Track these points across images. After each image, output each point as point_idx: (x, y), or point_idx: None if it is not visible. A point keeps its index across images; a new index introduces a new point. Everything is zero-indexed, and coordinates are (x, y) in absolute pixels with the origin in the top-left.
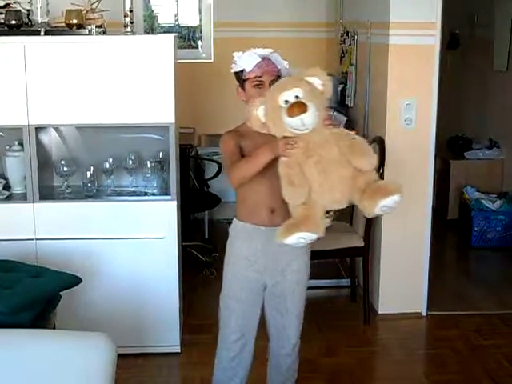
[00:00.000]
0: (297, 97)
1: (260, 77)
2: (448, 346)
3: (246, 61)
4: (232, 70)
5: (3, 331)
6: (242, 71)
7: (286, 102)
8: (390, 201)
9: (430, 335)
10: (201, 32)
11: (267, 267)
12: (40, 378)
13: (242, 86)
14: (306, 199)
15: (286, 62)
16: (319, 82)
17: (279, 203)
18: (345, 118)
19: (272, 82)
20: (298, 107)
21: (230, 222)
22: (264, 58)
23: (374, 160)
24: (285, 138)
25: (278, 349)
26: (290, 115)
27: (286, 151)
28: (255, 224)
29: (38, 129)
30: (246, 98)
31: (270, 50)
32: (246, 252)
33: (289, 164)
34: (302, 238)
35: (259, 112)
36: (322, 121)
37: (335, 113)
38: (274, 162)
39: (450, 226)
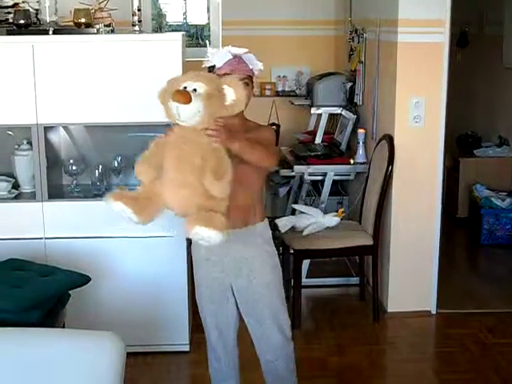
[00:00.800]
0: (195, 90)
1: (229, 74)
2: (458, 344)
3: (218, 57)
4: (203, 66)
5: (13, 330)
6: (213, 67)
7: (184, 88)
8: (205, 232)
9: (439, 333)
10: (209, 30)
11: (229, 267)
12: (49, 377)
13: None
14: (149, 182)
15: (260, 64)
16: (232, 96)
17: (235, 205)
18: (353, 116)
19: (242, 81)
20: (180, 95)
21: None
22: (236, 57)
23: (225, 191)
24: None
25: (263, 354)
26: (172, 98)
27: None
28: None
29: (47, 128)
30: None
31: (245, 50)
32: (207, 253)
33: (157, 143)
34: (123, 212)
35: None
36: (206, 129)
37: (343, 111)
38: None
39: (460, 224)
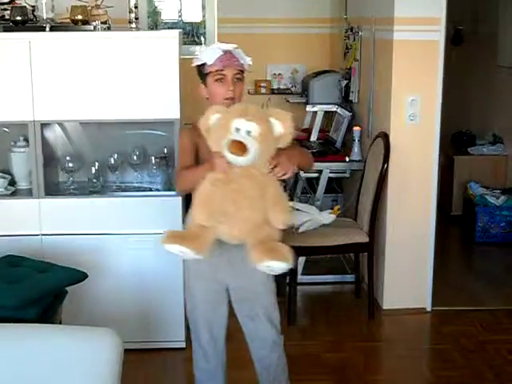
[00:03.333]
0: (248, 132)
1: (222, 70)
2: (452, 341)
3: (208, 54)
4: (193, 64)
5: (10, 326)
6: (203, 65)
7: (237, 129)
8: (276, 265)
9: (434, 330)
10: (204, 28)
11: (225, 267)
12: (46, 373)
13: (203, 81)
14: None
15: (248, 59)
16: (280, 128)
17: None
18: (349, 114)
19: (235, 76)
20: (237, 148)
21: None
22: (226, 52)
23: (288, 221)
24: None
25: (257, 351)
26: (229, 150)
27: (221, 169)
28: None
29: (44, 125)
30: (208, 93)
31: (234, 45)
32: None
33: (215, 183)
34: (182, 252)
35: (211, 118)
36: (267, 162)
37: (339, 109)
38: None
39: (454, 221)
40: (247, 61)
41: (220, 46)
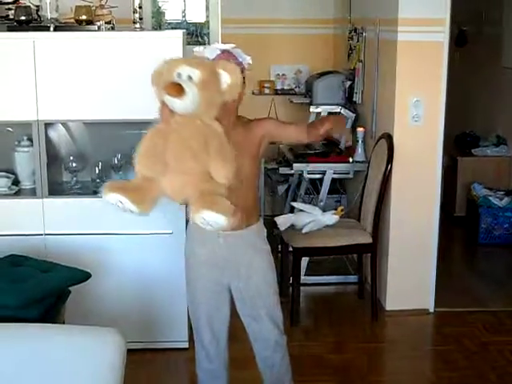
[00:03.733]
0: (190, 77)
1: None
2: (455, 342)
3: (206, 54)
4: (192, 56)
5: (13, 325)
6: None
7: (179, 75)
8: (212, 217)
9: (437, 332)
10: (208, 28)
11: (227, 267)
12: (50, 373)
13: None
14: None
15: (248, 57)
16: (228, 80)
17: (235, 204)
18: (353, 115)
19: None
20: (174, 90)
21: None
22: (224, 51)
23: (228, 174)
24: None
25: (260, 351)
26: (165, 91)
27: (164, 119)
28: None
29: (48, 124)
30: None
31: (232, 45)
32: (205, 255)
33: (156, 133)
34: (121, 202)
35: (159, 68)
36: (211, 112)
37: (342, 110)
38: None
39: (458, 222)
40: (247, 60)
41: (218, 46)
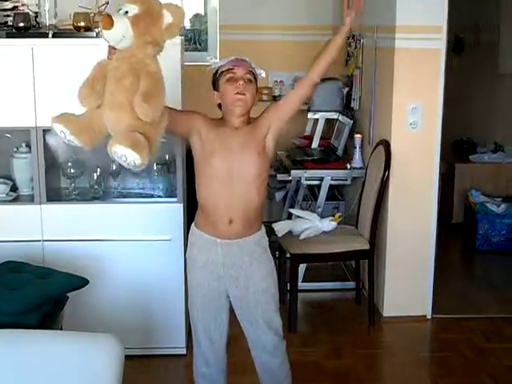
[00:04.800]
0: (126, 12)
1: (232, 69)
2: (453, 349)
3: (222, 61)
4: (207, 69)
5: (11, 331)
6: (216, 73)
7: (119, 10)
8: (122, 151)
9: (434, 338)
10: (206, 35)
11: (225, 275)
12: (48, 379)
13: (216, 88)
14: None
15: (262, 71)
16: (169, 19)
17: (237, 212)
18: (350, 121)
19: (245, 76)
20: (104, 21)
21: None
22: (238, 59)
23: (149, 112)
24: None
25: (259, 356)
26: (100, 24)
27: (108, 55)
28: (212, 235)
29: (46, 131)
30: (220, 97)
31: (246, 58)
32: (204, 261)
33: (100, 66)
34: (62, 132)
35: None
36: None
37: (340, 116)
38: (232, 172)
39: (455, 229)
40: (261, 72)
41: (232, 57)
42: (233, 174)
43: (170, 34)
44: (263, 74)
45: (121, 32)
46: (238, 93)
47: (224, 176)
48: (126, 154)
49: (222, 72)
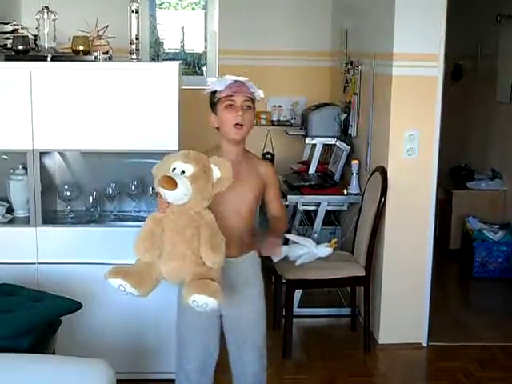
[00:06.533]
0: (183, 172)
1: (231, 96)
2: (449, 377)
3: (219, 83)
4: (204, 92)
5: (3, 355)
6: (214, 94)
7: (173, 169)
8: (201, 299)
9: (430, 366)
10: (206, 59)
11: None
12: None
13: (214, 111)
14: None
15: (261, 91)
16: (218, 174)
17: (230, 235)
18: (347, 147)
19: (244, 103)
20: (166, 182)
21: None
22: (237, 81)
23: (217, 260)
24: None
25: (237, 380)
26: (159, 184)
27: (161, 209)
28: None
29: (43, 153)
30: (218, 122)
31: (246, 78)
32: None
33: (154, 220)
34: (122, 285)
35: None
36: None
37: (338, 142)
38: (225, 197)
39: (452, 256)
40: (259, 93)
41: (231, 77)
42: (222, 200)
43: (222, 187)
44: (262, 95)
45: (183, 192)
46: (236, 123)
47: (217, 203)
48: (207, 302)
49: (221, 98)
